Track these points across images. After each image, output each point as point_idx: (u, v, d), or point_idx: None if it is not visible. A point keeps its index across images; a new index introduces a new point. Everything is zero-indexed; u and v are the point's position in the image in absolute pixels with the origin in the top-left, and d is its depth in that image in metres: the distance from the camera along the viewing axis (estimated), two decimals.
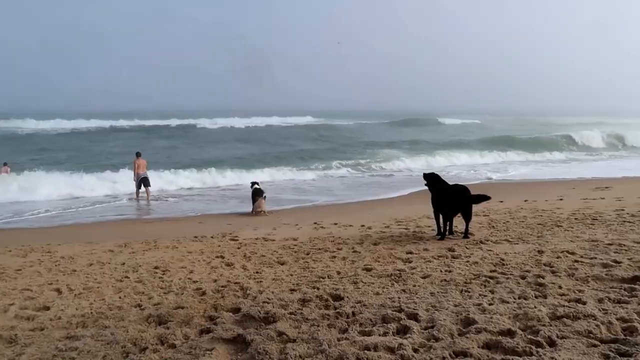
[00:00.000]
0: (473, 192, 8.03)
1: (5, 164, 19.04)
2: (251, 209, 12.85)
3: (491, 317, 3.88)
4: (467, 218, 7.78)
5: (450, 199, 7.82)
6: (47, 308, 5.00)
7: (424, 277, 5.37)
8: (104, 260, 7.36)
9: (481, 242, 7.21)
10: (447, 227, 7.92)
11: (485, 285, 4.91)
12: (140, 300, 5.13)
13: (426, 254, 6.68)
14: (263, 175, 19.47)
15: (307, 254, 7.23)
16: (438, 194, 8.04)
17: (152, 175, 17.76)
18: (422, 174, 8.71)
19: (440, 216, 7.97)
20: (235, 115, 66.75)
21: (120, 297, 5.33)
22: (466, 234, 7.68)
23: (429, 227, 8.78)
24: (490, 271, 5.46)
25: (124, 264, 7.10)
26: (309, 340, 3.68)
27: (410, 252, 6.82)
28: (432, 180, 8.27)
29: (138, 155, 16.77)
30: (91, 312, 4.76)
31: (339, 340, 3.64)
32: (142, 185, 16.26)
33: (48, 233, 10.86)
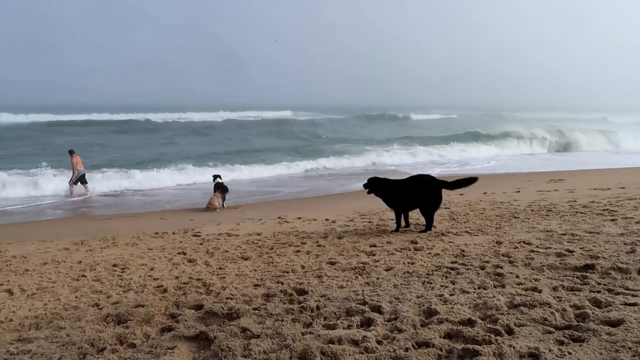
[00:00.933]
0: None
1: None
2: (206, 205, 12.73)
3: (452, 308, 3.97)
4: (434, 208, 7.69)
5: (417, 191, 7.72)
6: None
7: (387, 270, 5.44)
8: (59, 259, 7.09)
9: (442, 234, 7.36)
10: (406, 220, 8.04)
11: (446, 277, 5.02)
12: (98, 300, 4.97)
13: (389, 246, 6.76)
14: (225, 171, 19.17)
15: (271, 248, 7.19)
16: (394, 192, 7.92)
17: (108, 174, 17.60)
18: (362, 186, 8.26)
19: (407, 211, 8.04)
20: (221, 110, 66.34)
21: (76, 297, 5.14)
22: (429, 226, 7.71)
23: (392, 220, 8.86)
24: (451, 262, 5.58)
25: (80, 262, 6.85)
26: (273, 335, 3.65)
27: (374, 245, 6.89)
28: (376, 185, 8.08)
29: (72, 152, 16.63)
30: (45, 313, 4.57)
31: (303, 334, 3.63)
32: (80, 182, 16.11)
33: None
